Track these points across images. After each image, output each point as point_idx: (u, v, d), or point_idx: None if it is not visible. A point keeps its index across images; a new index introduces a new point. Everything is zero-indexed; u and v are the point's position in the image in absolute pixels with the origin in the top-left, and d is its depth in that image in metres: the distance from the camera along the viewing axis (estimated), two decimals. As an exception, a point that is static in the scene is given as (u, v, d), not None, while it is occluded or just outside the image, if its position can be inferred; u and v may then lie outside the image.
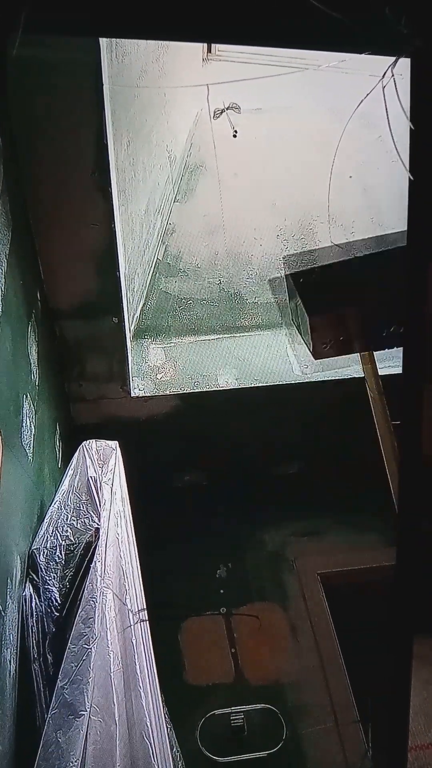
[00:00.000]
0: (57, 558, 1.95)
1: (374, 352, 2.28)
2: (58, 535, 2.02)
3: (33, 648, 1.77)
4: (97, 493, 2.13)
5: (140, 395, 3.08)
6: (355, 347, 1.50)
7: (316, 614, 3.09)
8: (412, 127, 1.11)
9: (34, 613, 1.83)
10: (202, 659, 2.93)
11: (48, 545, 1.99)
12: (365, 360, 2.32)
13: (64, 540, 2.00)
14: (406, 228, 1.12)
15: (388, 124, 1.82)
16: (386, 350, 1.67)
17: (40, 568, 1.93)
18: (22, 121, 2.08)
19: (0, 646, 1.59)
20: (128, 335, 2.95)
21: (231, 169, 3.21)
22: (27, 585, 1.88)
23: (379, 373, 2.25)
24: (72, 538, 2.00)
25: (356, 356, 2.46)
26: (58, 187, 2.26)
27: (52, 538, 2.02)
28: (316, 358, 1.65)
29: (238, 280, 3.46)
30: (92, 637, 1.71)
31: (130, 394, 3.05)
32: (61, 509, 2.13)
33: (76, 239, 2.41)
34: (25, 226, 2.27)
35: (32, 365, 2.22)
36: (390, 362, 2.45)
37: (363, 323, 1.43)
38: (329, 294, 1.47)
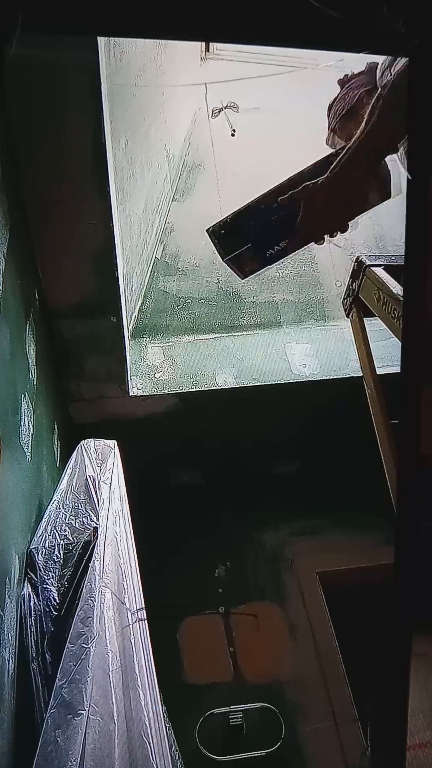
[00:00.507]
0: (55, 557, 1.95)
1: (372, 353, 2.29)
2: (57, 534, 2.02)
3: (31, 647, 1.77)
4: (96, 493, 2.13)
5: (138, 394, 3.08)
6: (258, 267, 2.03)
7: (315, 613, 3.08)
8: (411, 125, 1.11)
9: (33, 613, 1.82)
10: (200, 658, 2.92)
11: (46, 544, 1.99)
12: (363, 359, 2.32)
13: (63, 539, 1.99)
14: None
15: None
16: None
17: (39, 567, 1.92)
18: (20, 120, 2.07)
19: (-2, 645, 1.59)
20: (126, 334, 2.94)
21: (229, 168, 3.20)
22: (25, 584, 1.88)
23: (379, 372, 2.25)
24: (70, 538, 1.99)
25: (354, 355, 2.47)
26: (56, 186, 2.26)
27: (51, 537, 2.01)
28: (243, 279, 2.15)
29: (237, 279, 3.45)
30: (91, 637, 1.71)
31: (128, 393, 3.05)
32: (59, 508, 2.13)
33: (74, 238, 2.41)
34: (22, 225, 2.26)
35: (30, 364, 2.21)
36: (389, 361, 2.46)
37: (252, 250, 1.96)
38: (232, 239, 1.97)
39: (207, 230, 1.98)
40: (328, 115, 2.11)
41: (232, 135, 2.80)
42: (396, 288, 2.03)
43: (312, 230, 1.85)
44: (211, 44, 2.95)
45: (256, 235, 1.91)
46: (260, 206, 1.91)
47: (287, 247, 1.91)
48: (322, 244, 1.90)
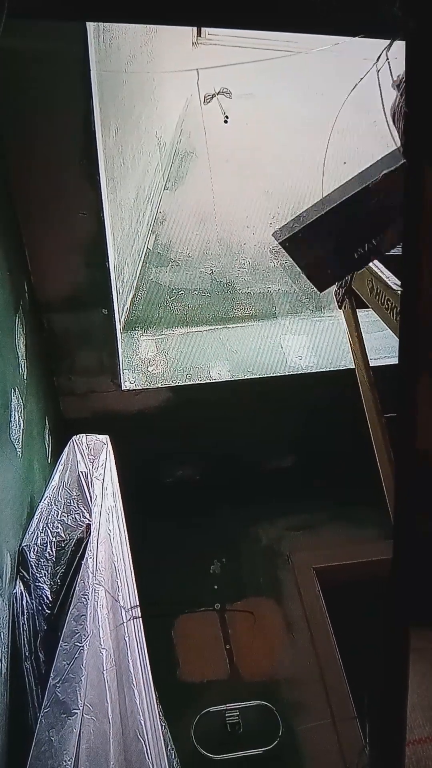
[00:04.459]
0: (48, 555, 1.93)
1: (365, 344, 2.27)
2: (49, 531, 2.00)
3: (24, 646, 1.75)
4: (88, 489, 2.11)
5: (131, 388, 3.05)
6: (342, 273, 1.78)
7: (312, 609, 3.08)
8: (407, 110, 1.08)
9: (26, 611, 1.81)
10: (196, 656, 2.91)
11: (38, 542, 1.97)
12: (355, 350, 2.29)
13: (55, 536, 1.98)
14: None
15: (383, 108, 1.80)
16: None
17: (31, 565, 1.90)
18: (8, 108, 2.04)
19: (-10, 646, 1.57)
20: (118, 327, 2.91)
21: (222, 156, 3.17)
22: (18, 582, 1.86)
23: (375, 364, 2.23)
24: (63, 535, 1.98)
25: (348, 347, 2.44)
26: (45, 176, 2.22)
27: (43, 534, 1.99)
28: (320, 292, 1.87)
29: (231, 269, 3.43)
30: (84, 635, 1.70)
31: (120, 387, 3.02)
32: (51, 505, 2.10)
33: (63, 229, 2.37)
34: (11, 216, 2.23)
35: (20, 359, 2.18)
36: (386, 353, 2.43)
37: (337, 254, 1.67)
38: (312, 244, 1.66)
39: (277, 236, 1.66)
40: (393, 124, 1.77)
41: (225, 121, 2.76)
42: (390, 278, 2.00)
43: None
44: (202, 29, 2.91)
45: (340, 234, 1.59)
46: (345, 197, 1.58)
47: (381, 244, 1.61)
48: None
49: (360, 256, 1.63)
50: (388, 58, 1.71)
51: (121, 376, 3.01)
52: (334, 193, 1.58)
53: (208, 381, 3.12)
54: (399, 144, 1.60)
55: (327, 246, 1.61)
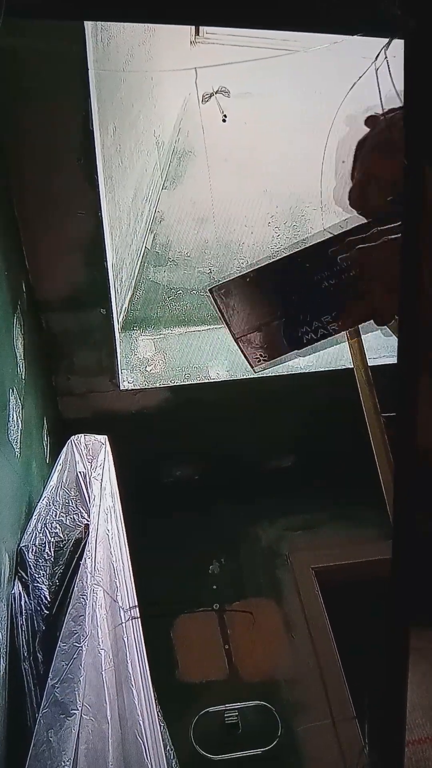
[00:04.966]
0: (46, 555, 1.93)
1: (363, 343, 2.25)
2: (47, 531, 1.99)
3: (23, 647, 1.75)
4: (87, 489, 2.10)
5: (130, 388, 3.04)
6: (280, 352, 1.50)
7: (311, 609, 3.07)
8: (406, 109, 1.08)
9: (24, 611, 1.80)
10: (195, 656, 2.90)
11: (37, 542, 1.96)
12: (354, 350, 2.28)
13: (53, 537, 1.97)
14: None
15: (381, 106, 1.79)
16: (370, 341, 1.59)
17: (29, 565, 1.90)
18: (5, 107, 2.03)
19: (-12, 646, 1.56)
20: (117, 327, 2.90)
21: (220, 155, 3.16)
22: (16, 583, 1.85)
23: (371, 364, 2.22)
24: (61, 535, 1.97)
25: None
26: (43, 175, 2.21)
27: (41, 534, 1.99)
28: (256, 371, 1.58)
29: (229, 269, 3.42)
30: (83, 635, 1.69)
31: (119, 387, 3.01)
32: (49, 505, 2.10)
33: (62, 228, 2.36)
34: (9, 215, 2.22)
35: (18, 358, 2.17)
36: (384, 352, 2.42)
37: (282, 330, 1.44)
38: (248, 308, 1.43)
39: (211, 289, 1.46)
40: (354, 162, 1.52)
41: (224, 120, 2.76)
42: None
43: (382, 301, 1.33)
44: (201, 28, 2.90)
45: (289, 305, 1.37)
46: (298, 263, 1.35)
47: (336, 327, 1.41)
48: (386, 323, 1.40)
49: (307, 339, 1.42)
50: (386, 57, 1.71)
51: (120, 376, 3.00)
52: (286, 257, 1.38)
53: (207, 381, 3.11)
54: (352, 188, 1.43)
55: (268, 314, 1.38)
